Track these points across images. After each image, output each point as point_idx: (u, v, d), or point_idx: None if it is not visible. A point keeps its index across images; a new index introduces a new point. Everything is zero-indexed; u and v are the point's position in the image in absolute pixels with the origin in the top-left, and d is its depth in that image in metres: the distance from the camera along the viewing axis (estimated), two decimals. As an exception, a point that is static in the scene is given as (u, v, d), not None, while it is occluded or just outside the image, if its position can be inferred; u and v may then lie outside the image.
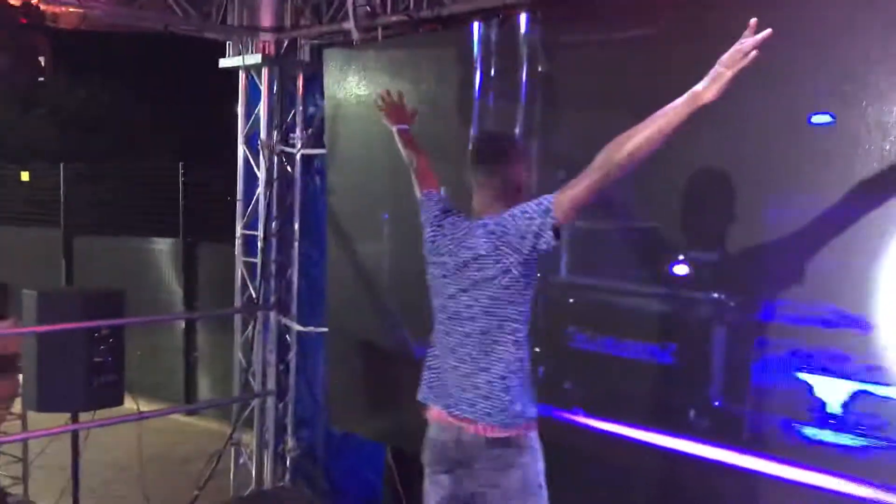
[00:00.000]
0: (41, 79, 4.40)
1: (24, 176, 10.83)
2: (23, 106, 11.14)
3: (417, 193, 3.24)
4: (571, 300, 3.75)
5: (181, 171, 8.49)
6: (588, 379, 3.68)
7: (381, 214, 4.65)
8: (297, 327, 5.36)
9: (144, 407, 7.54)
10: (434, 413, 2.92)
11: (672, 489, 3.45)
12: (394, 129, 3.47)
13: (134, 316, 6.18)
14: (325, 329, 5.13)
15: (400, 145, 3.48)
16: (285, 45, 5.28)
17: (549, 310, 3.71)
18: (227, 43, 5.40)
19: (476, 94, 4.16)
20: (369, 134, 4.54)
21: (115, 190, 9.60)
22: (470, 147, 3.02)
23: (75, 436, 4.64)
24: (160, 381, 8.50)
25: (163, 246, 8.86)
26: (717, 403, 3.27)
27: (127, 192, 9.55)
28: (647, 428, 3.43)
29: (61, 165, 9.74)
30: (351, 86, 4.82)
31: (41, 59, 4.24)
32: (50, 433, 4.73)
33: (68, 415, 4.58)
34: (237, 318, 5.58)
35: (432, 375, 2.94)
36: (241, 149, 5.47)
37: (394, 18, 4.57)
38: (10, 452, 5.35)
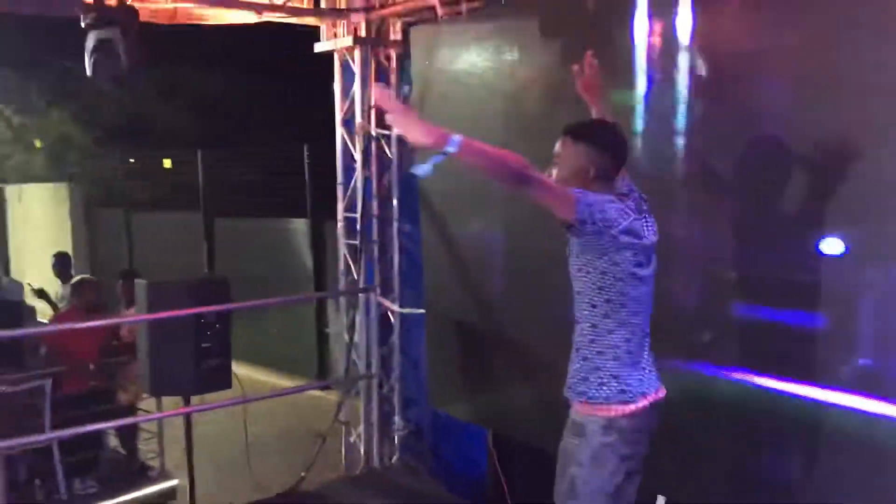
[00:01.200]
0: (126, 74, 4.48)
1: (167, 163, 11.43)
2: (164, 97, 11.76)
3: (567, 195, 2.60)
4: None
5: (306, 154, 8.69)
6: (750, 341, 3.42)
7: (474, 194, 4.53)
8: (397, 309, 5.33)
9: (283, 382, 7.90)
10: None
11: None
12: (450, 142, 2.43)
13: (262, 297, 6.41)
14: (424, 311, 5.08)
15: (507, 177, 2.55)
16: (377, 25, 5.23)
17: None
18: (321, 27, 5.40)
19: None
20: (457, 111, 4.43)
21: (249, 173, 9.95)
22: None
23: (188, 417, 4.85)
24: (297, 356, 8.83)
25: (296, 226, 9.15)
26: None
27: (261, 175, 9.88)
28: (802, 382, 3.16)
29: (199, 152, 10.20)
30: (438, 63, 4.71)
31: (133, 54, 4.31)
32: (165, 416, 5.03)
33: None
34: (342, 300, 5.62)
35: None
36: (339, 131, 5.46)
37: (477, -9, 4.44)
38: (147, 429, 5.68)
